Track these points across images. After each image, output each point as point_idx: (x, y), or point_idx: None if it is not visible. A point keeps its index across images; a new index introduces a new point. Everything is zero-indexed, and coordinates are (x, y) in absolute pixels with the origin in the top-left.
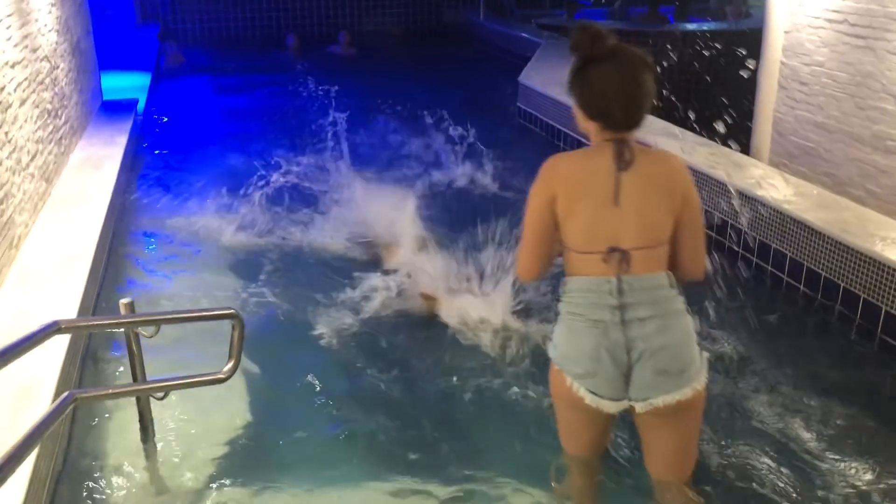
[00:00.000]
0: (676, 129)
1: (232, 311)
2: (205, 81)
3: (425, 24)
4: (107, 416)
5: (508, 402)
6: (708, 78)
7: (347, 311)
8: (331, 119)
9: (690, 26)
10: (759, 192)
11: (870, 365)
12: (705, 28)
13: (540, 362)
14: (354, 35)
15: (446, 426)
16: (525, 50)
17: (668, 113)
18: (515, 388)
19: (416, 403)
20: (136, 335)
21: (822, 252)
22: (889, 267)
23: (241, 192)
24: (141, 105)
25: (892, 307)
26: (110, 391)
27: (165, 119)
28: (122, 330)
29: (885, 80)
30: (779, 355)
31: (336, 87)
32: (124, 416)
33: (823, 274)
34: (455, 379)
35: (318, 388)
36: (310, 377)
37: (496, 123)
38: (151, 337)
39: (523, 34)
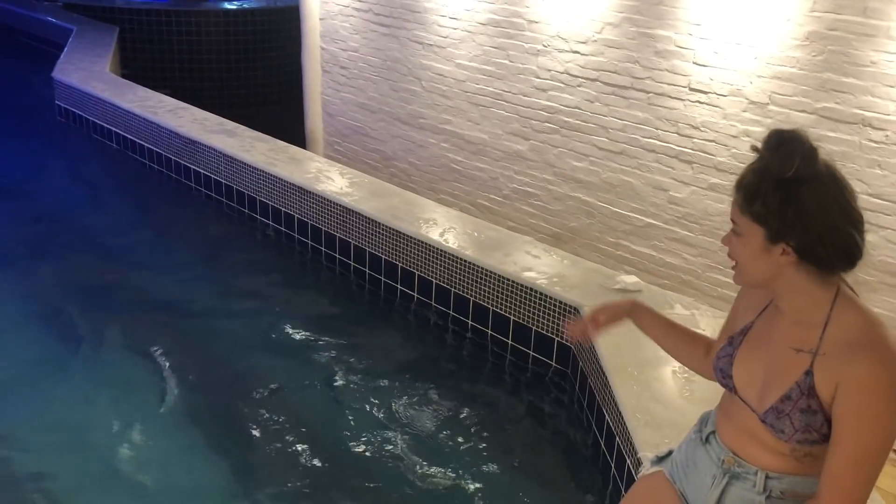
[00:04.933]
0: (232, 125)
1: None
2: None
3: None
4: None
5: None
6: (254, 57)
7: None
8: None
9: (229, 5)
10: (319, 187)
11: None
12: (246, 6)
13: None
14: None
15: None
16: (56, 36)
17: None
18: None
19: None
20: None
21: (378, 238)
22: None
23: None
24: None
25: (440, 280)
26: None
27: None
28: None
29: (410, 65)
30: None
31: None
32: None
33: (383, 257)
34: None
35: None
36: None
37: (33, 125)
38: None
39: (49, 18)
